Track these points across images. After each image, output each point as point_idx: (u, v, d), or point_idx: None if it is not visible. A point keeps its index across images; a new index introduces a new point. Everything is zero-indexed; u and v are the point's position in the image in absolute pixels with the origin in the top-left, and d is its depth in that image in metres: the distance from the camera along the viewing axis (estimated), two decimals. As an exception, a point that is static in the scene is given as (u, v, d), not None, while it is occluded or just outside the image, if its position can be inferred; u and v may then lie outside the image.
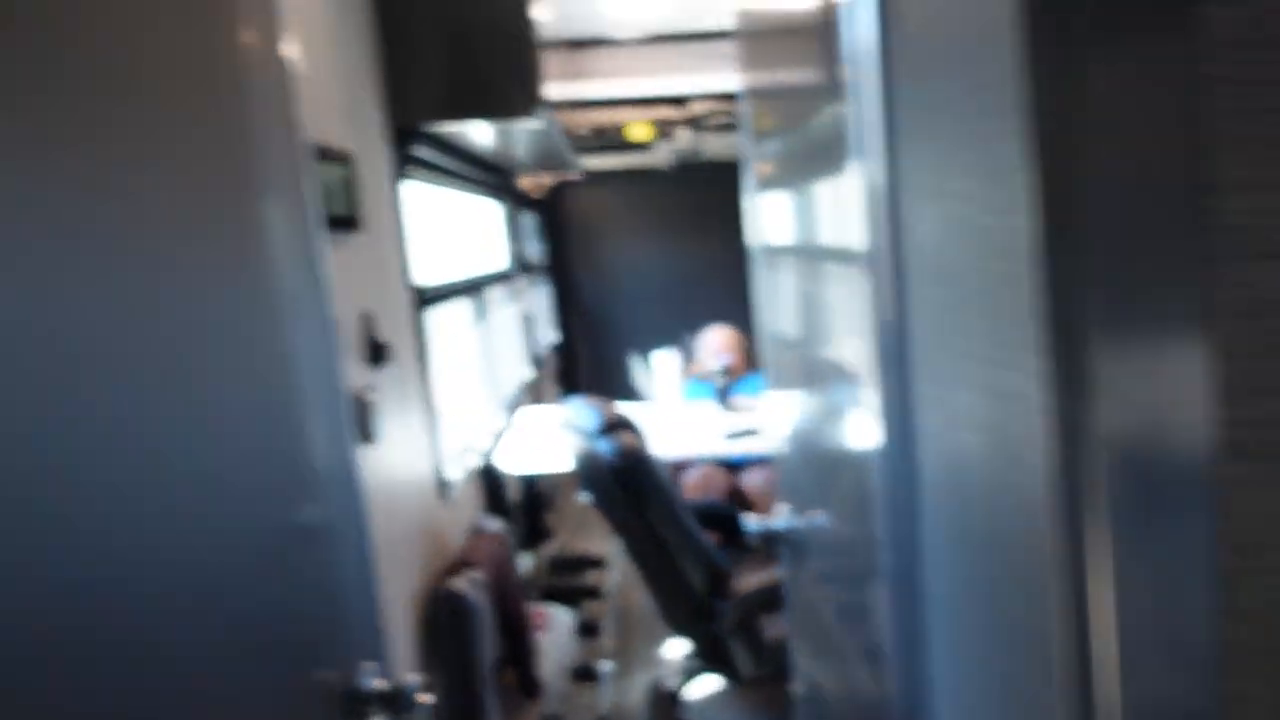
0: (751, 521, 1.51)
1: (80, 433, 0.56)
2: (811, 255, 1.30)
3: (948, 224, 0.75)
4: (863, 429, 1.04)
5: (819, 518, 1.38)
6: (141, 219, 0.67)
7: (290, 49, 1.04)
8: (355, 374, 1.73)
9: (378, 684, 0.96)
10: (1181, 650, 0.54)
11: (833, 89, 1.01)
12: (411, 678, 0.95)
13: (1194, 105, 0.52)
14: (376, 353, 1.84)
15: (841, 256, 1.09)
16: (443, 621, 1.86)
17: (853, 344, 1.07)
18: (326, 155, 1.64)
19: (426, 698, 0.95)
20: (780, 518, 1.53)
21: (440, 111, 2.27)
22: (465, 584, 1.90)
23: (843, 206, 1.04)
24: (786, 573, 1.66)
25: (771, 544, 1.86)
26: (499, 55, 2.24)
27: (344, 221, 1.73)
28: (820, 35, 1.06)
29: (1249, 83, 0.51)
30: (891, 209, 0.88)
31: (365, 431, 1.71)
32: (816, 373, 1.34)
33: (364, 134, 1.99)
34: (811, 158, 1.22)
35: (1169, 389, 0.53)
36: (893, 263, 0.89)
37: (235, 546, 0.77)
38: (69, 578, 0.53)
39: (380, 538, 1.69)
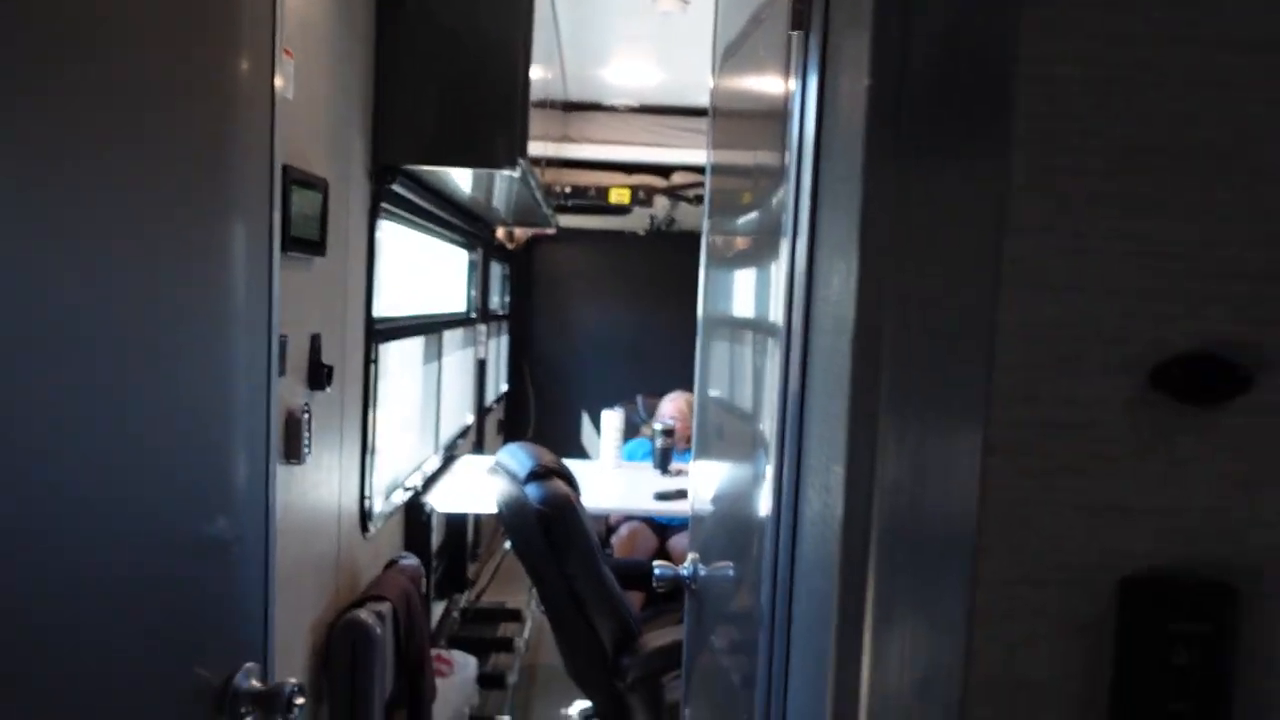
0: (659, 567, 1.56)
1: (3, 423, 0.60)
2: (742, 327, 1.38)
3: (835, 318, 0.83)
4: (760, 506, 1.10)
5: (721, 569, 1.43)
6: (102, 223, 0.72)
7: (279, 80, 1.11)
8: (294, 393, 1.76)
9: (254, 684, 0.98)
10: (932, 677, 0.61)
11: (778, 173, 1.10)
12: (290, 680, 0.98)
13: (996, 221, 0.60)
14: (317, 375, 1.87)
15: (768, 332, 1.17)
16: (341, 650, 1.86)
17: (766, 417, 1.13)
18: (303, 180, 1.71)
19: (301, 700, 0.97)
20: (687, 565, 1.58)
21: (423, 153, 2.35)
22: (369, 615, 1.91)
23: (773, 283, 1.12)
24: (686, 626, 1.71)
25: (675, 595, 1.90)
26: (489, 106, 2.33)
27: (311, 245, 1.78)
28: (777, 123, 1.15)
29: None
30: (807, 292, 0.95)
31: (295, 449, 1.74)
32: (736, 441, 1.40)
33: (344, 165, 2.05)
34: (754, 234, 1.31)
35: (936, 488, 0.61)
36: (802, 345, 0.96)
37: (143, 546, 0.81)
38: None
39: (290, 557, 1.70)
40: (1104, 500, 0.60)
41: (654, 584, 1.62)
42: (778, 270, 1.05)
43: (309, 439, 1.80)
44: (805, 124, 0.97)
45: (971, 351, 0.60)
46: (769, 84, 1.21)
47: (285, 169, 1.56)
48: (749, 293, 1.33)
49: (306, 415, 1.77)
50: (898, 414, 0.62)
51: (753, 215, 1.32)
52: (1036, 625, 0.61)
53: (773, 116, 1.19)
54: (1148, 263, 0.60)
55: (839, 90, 0.89)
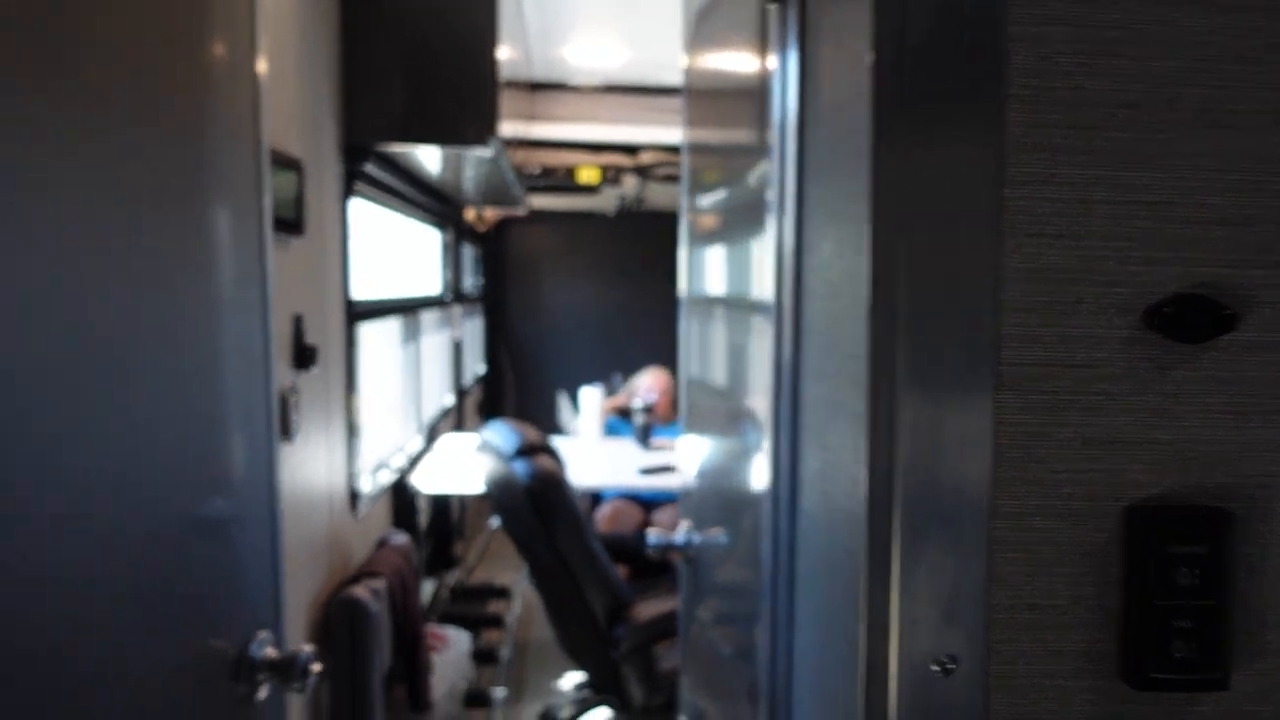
0: (653, 535, 1.59)
1: (17, 405, 0.61)
2: (728, 304, 1.40)
3: (835, 288, 0.86)
4: (756, 470, 1.13)
5: (715, 536, 1.47)
6: (101, 205, 0.73)
7: (261, 63, 1.11)
8: (280, 373, 1.76)
9: (270, 652, 1.00)
10: (957, 619, 0.65)
11: (760, 149, 1.12)
12: (305, 648, 1.00)
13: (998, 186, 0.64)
14: (302, 355, 1.88)
15: (754, 308, 1.20)
16: (339, 627, 1.88)
17: (758, 391, 1.16)
18: (279, 161, 1.70)
19: (317, 667, 0.99)
20: (680, 534, 1.61)
21: (394, 133, 2.34)
22: (365, 591, 1.92)
23: (758, 259, 1.15)
24: (682, 594, 1.74)
25: (660, 569, 1.91)
26: (458, 84, 2.33)
27: (289, 225, 1.78)
28: (754, 98, 1.17)
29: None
30: (796, 265, 0.99)
31: (285, 428, 1.74)
32: (725, 417, 1.43)
33: (317, 145, 2.04)
34: (736, 212, 1.33)
35: (956, 440, 0.65)
36: (793, 315, 1.00)
37: (154, 523, 0.82)
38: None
39: (285, 537, 1.71)
40: (1106, 433, 0.64)
41: (647, 551, 1.65)
42: (764, 244, 1.07)
43: (297, 419, 1.80)
44: (787, 98, 1.00)
45: (979, 300, 0.64)
46: (744, 61, 1.23)
47: (267, 149, 1.56)
48: (736, 268, 1.36)
49: (295, 396, 1.77)
50: (915, 365, 0.66)
51: (734, 191, 1.34)
52: (1049, 552, 0.65)
53: (749, 93, 1.21)
54: (1137, 211, 0.64)
55: (821, 61, 0.91)
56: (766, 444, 1.05)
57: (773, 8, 1.05)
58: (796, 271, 0.98)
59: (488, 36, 2.36)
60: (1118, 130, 0.64)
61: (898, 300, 0.66)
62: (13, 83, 0.61)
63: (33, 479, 0.62)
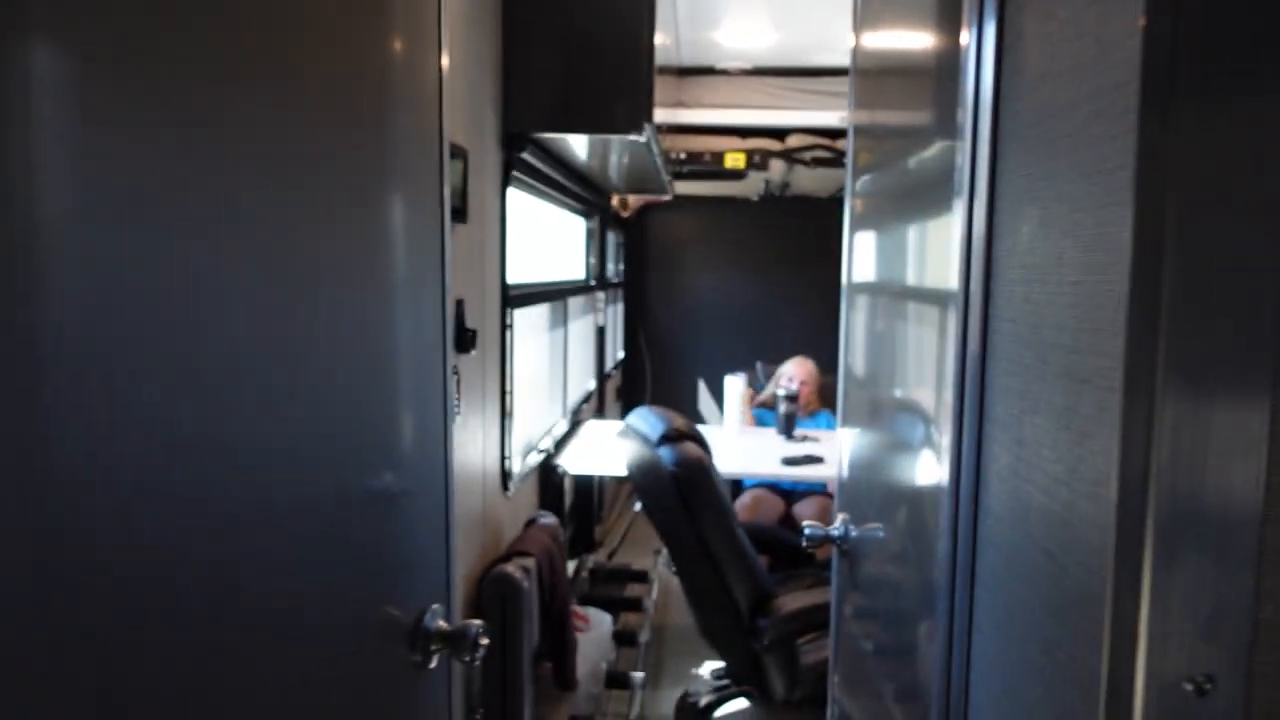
0: (809, 527, 1.56)
1: (225, 381, 0.64)
2: (902, 293, 1.35)
3: (1038, 273, 0.80)
4: (932, 463, 1.08)
5: (874, 530, 1.42)
6: (305, 196, 0.77)
7: (445, 60, 1.15)
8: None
9: (442, 624, 1.04)
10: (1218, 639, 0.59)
11: (945, 130, 1.06)
12: (475, 622, 1.03)
13: None
14: (463, 339, 1.94)
15: (931, 296, 1.14)
16: (491, 603, 1.94)
17: (931, 383, 1.11)
18: (451, 151, 1.76)
19: (486, 641, 1.02)
20: (837, 526, 1.57)
21: (552, 122, 2.38)
22: (516, 569, 1.98)
23: (938, 245, 1.09)
24: (835, 588, 1.70)
25: (802, 560, 1.85)
26: (616, 72, 2.35)
27: (455, 212, 1.84)
28: (938, 77, 1.12)
29: None
30: (987, 250, 0.93)
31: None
32: (891, 408, 1.38)
33: (480, 134, 2.11)
34: (911, 196, 1.28)
35: (1225, 441, 0.58)
36: (982, 302, 0.94)
37: (342, 495, 0.86)
38: (211, 504, 0.62)
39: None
40: None
41: (802, 544, 1.62)
42: (946, 229, 1.02)
43: (459, 400, 1.87)
44: (983, 74, 0.94)
45: (1260, 288, 0.58)
46: (928, 38, 1.17)
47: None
48: (911, 254, 1.30)
49: (456, 377, 1.84)
50: (1180, 359, 0.60)
51: (910, 174, 1.28)
52: None
53: (933, 71, 1.15)
54: None
55: (1024, 35, 0.85)
56: (946, 438, 1.00)
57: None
58: (987, 257, 0.92)
59: (645, 24, 2.36)
60: None
61: (1162, 288, 0.60)
62: (246, 86, 0.64)
63: (244, 445, 0.66)
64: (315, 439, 0.79)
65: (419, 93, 1.07)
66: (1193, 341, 0.59)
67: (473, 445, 2.08)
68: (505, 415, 2.35)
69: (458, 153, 1.84)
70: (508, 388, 2.38)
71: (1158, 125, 0.60)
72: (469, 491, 2.05)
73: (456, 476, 1.98)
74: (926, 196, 1.16)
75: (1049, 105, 0.78)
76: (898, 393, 1.36)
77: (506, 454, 2.35)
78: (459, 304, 1.94)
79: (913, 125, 1.28)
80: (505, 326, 2.40)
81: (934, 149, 1.13)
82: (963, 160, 0.97)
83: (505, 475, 2.34)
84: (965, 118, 0.96)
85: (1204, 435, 0.59)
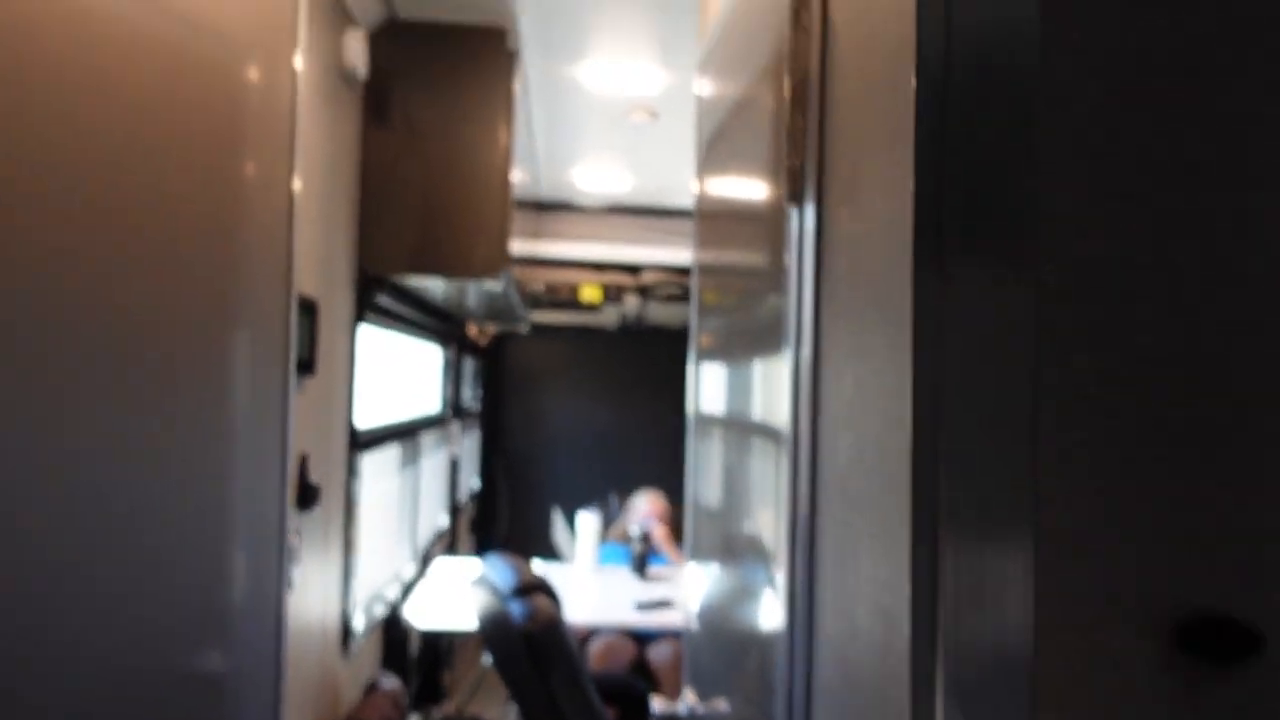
0: (657, 704, 1.53)
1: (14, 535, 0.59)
2: (740, 428, 1.38)
3: (853, 422, 0.84)
4: (772, 609, 1.09)
5: (722, 706, 1.40)
6: (128, 340, 0.73)
7: (295, 211, 1.13)
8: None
9: None
10: None
11: (775, 274, 1.12)
12: None
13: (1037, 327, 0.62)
14: (306, 496, 1.85)
15: (766, 432, 1.17)
16: (325, 785, 1.79)
17: (770, 521, 1.13)
18: (300, 303, 1.71)
19: None
20: (684, 703, 1.55)
21: (409, 264, 2.37)
22: (355, 746, 1.84)
23: (772, 384, 1.13)
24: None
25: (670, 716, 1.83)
26: (472, 216, 2.38)
27: (302, 365, 1.78)
28: (768, 225, 1.18)
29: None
30: (814, 395, 0.96)
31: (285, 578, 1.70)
32: (734, 547, 1.39)
33: (332, 282, 2.07)
34: (750, 335, 1.32)
35: (996, 583, 0.63)
36: (810, 445, 0.97)
37: (158, 676, 0.79)
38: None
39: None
40: None
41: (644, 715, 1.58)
42: (779, 372, 1.06)
43: (299, 561, 1.76)
44: (805, 223, 1.00)
45: (1015, 450, 0.62)
46: (757, 187, 1.25)
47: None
48: (747, 390, 1.33)
49: (298, 540, 1.74)
50: (954, 520, 0.64)
51: (747, 315, 1.34)
52: None
53: (760, 218, 1.23)
54: None
55: (832, 205, 0.93)
56: (780, 580, 1.01)
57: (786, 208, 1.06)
58: (814, 402, 0.95)
59: (503, 176, 2.42)
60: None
61: (938, 448, 0.64)
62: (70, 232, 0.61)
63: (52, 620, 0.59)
64: (129, 621, 0.72)
65: (263, 251, 1.04)
66: (965, 488, 0.64)
67: (312, 603, 1.95)
68: (348, 572, 2.23)
69: (307, 305, 1.79)
70: (352, 540, 2.27)
71: (929, 281, 0.67)
72: (305, 656, 1.91)
73: (293, 639, 1.84)
74: (762, 338, 1.20)
75: (858, 266, 0.85)
76: (743, 528, 1.36)
77: (348, 610, 2.22)
78: (303, 460, 1.85)
79: (748, 269, 1.34)
80: (351, 474, 2.30)
81: (766, 298, 1.19)
82: (789, 310, 1.02)
83: (346, 634, 2.21)
84: (791, 272, 1.02)
85: (979, 576, 0.63)
